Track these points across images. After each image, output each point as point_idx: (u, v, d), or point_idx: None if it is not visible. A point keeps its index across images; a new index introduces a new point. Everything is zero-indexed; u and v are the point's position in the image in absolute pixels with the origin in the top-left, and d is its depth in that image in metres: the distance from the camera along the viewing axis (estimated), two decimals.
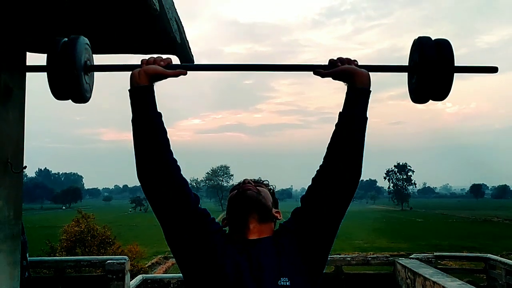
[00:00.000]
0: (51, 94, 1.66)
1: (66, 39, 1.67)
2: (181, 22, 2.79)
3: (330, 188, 1.59)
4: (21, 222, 3.28)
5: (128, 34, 2.84)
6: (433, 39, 1.63)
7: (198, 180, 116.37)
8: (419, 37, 1.65)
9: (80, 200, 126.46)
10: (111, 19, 2.62)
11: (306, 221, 1.63)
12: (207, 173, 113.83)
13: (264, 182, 1.83)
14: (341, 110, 1.63)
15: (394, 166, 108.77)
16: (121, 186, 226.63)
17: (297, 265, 1.60)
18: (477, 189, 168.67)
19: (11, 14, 2.67)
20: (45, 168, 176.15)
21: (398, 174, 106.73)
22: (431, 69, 1.55)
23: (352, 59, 1.65)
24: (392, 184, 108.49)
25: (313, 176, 1.65)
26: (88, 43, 1.73)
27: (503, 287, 7.93)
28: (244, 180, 1.78)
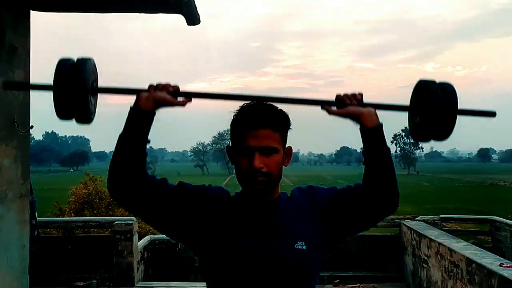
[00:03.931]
0: (55, 113, 1.62)
1: (74, 60, 1.65)
2: None
3: (370, 210, 1.64)
4: (30, 182, 3.30)
5: None
6: (437, 82, 1.69)
7: (205, 144, 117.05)
8: (425, 80, 1.71)
9: (88, 163, 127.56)
10: None
11: (338, 209, 1.63)
12: (214, 137, 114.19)
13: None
14: (362, 150, 1.66)
15: (402, 130, 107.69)
16: None
17: (312, 230, 1.59)
18: (484, 153, 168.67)
19: None
20: (52, 131, 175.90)
21: (405, 138, 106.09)
22: (437, 113, 1.64)
23: (357, 93, 1.66)
24: (399, 148, 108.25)
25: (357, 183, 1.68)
26: (95, 64, 1.72)
27: (508, 248, 7.99)
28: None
